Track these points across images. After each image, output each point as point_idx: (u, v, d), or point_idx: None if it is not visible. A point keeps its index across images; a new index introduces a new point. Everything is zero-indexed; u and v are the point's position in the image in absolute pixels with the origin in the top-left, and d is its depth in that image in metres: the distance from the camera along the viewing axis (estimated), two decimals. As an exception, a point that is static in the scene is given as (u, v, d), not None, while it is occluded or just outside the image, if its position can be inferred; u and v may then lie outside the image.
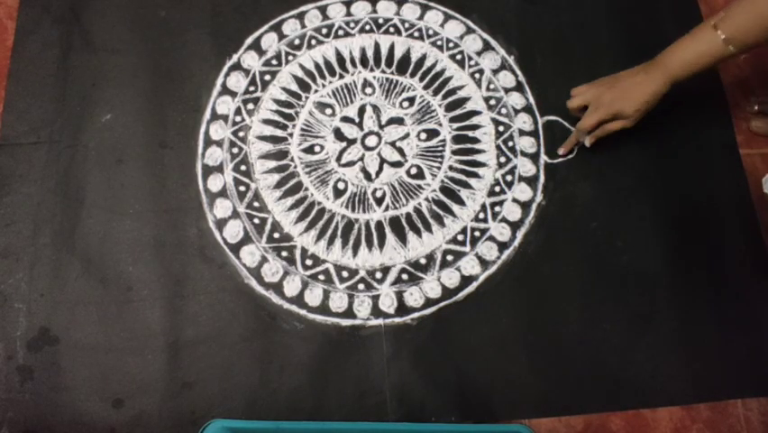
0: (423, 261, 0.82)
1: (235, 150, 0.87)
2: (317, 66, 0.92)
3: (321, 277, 0.81)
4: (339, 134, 0.88)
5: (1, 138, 0.86)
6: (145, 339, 0.77)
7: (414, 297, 0.80)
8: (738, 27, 0.69)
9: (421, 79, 0.91)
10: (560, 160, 0.87)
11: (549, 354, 0.78)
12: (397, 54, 0.93)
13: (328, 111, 0.89)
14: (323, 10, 0.95)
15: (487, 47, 0.93)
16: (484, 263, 0.82)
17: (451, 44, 0.93)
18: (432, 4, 0.95)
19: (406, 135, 0.88)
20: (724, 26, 0.70)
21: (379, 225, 0.83)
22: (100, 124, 0.87)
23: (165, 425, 0.74)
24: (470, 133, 0.89)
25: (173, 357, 0.76)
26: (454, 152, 0.88)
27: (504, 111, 0.90)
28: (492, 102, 0.90)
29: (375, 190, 0.85)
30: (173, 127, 0.87)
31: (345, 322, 0.79)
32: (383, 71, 0.92)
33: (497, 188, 0.86)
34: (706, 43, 0.72)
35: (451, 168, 0.87)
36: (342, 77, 0.91)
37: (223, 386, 0.75)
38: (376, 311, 0.79)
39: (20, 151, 0.85)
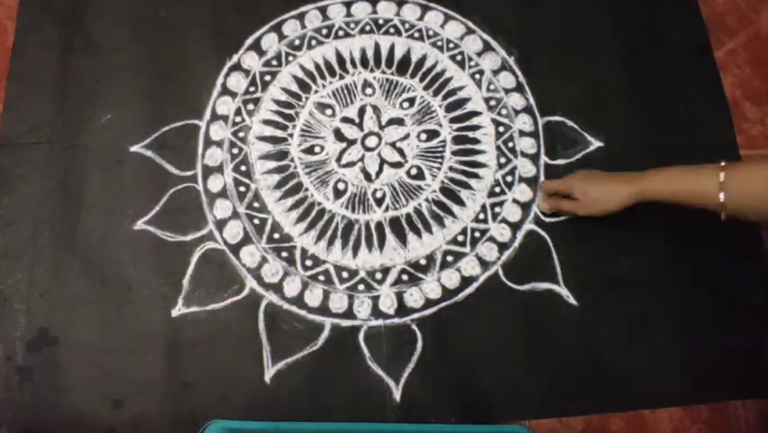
0: (423, 261, 0.82)
1: (235, 150, 0.87)
2: (317, 66, 0.92)
3: (321, 277, 0.81)
4: (339, 135, 0.88)
5: (1, 138, 0.85)
6: (145, 340, 0.77)
7: (414, 297, 0.80)
8: (739, 200, 0.63)
9: (421, 80, 0.91)
10: (560, 161, 0.87)
11: (549, 354, 0.78)
12: (398, 55, 0.93)
13: (328, 111, 0.89)
14: (323, 10, 0.95)
15: (487, 48, 0.93)
16: (484, 264, 0.82)
17: (451, 45, 0.93)
18: (432, 4, 0.95)
19: (407, 136, 0.88)
20: (727, 189, 0.62)
21: (379, 225, 0.83)
22: (100, 124, 0.87)
23: (165, 425, 0.74)
24: (470, 134, 0.89)
25: (173, 357, 0.76)
26: (454, 153, 0.88)
27: (504, 112, 0.90)
28: (492, 103, 0.90)
29: (375, 191, 0.85)
30: (173, 127, 0.87)
31: (345, 323, 0.79)
32: (383, 72, 0.92)
33: (497, 189, 0.86)
34: (704, 196, 0.65)
35: (451, 168, 0.87)
36: (342, 77, 0.91)
37: (223, 386, 0.75)
38: (376, 312, 0.79)
39: (20, 151, 0.85)
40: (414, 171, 0.86)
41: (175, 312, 0.78)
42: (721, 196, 0.63)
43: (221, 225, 0.83)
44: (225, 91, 0.90)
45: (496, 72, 0.92)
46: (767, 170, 0.62)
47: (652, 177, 0.70)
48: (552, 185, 0.82)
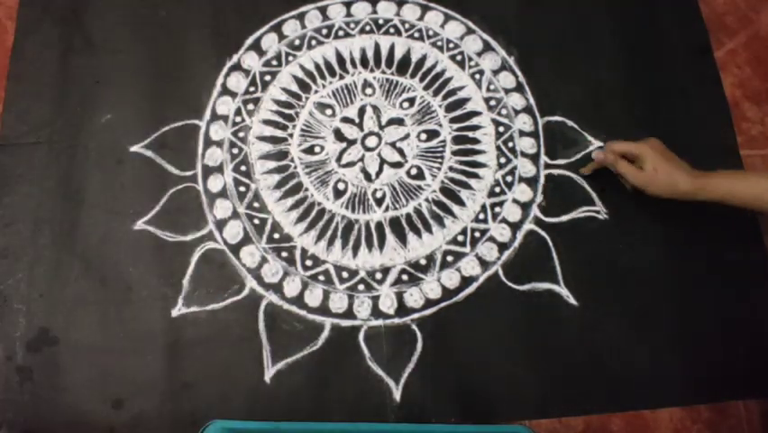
0: (423, 261, 0.82)
1: (235, 150, 0.87)
2: (317, 66, 0.92)
3: (321, 278, 0.81)
4: (339, 135, 0.88)
5: (1, 138, 0.85)
6: (145, 340, 0.77)
7: (414, 297, 0.80)
8: None
9: (421, 80, 0.91)
10: (560, 161, 0.87)
11: (549, 354, 0.78)
12: (398, 55, 0.93)
13: (328, 111, 0.89)
14: (323, 10, 0.95)
15: (487, 48, 0.93)
16: (484, 264, 0.82)
17: (451, 45, 0.93)
18: (432, 4, 0.95)
19: (407, 136, 0.88)
20: None
21: (379, 225, 0.83)
22: (100, 124, 0.87)
23: (165, 425, 0.73)
24: (470, 134, 0.89)
25: (173, 357, 0.76)
26: (454, 153, 0.88)
27: (504, 112, 0.90)
28: (492, 103, 0.90)
29: (375, 191, 0.85)
30: (173, 127, 0.87)
31: (345, 323, 0.79)
32: (383, 72, 0.92)
33: (497, 189, 0.86)
34: (760, 196, 0.70)
35: (451, 168, 0.87)
36: (342, 77, 0.91)
37: (223, 386, 0.75)
38: (376, 312, 0.79)
39: (20, 151, 0.85)
40: (414, 171, 0.86)
41: (175, 312, 0.78)
42: None
43: (221, 225, 0.83)
44: (225, 91, 0.90)
45: (496, 72, 0.92)
46: None
47: (715, 174, 0.73)
48: (622, 146, 0.79)
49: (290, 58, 0.92)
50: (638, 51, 0.94)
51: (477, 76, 0.92)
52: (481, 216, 0.84)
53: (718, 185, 0.73)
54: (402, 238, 0.83)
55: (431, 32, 0.94)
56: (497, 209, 0.85)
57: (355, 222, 0.84)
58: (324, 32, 0.94)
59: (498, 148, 0.88)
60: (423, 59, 0.92)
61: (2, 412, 0.74)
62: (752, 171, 0.73)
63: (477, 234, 0.83)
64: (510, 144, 0.88)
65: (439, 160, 0.87)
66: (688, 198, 0.74)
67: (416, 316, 0.79)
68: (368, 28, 0.94)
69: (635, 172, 0.77)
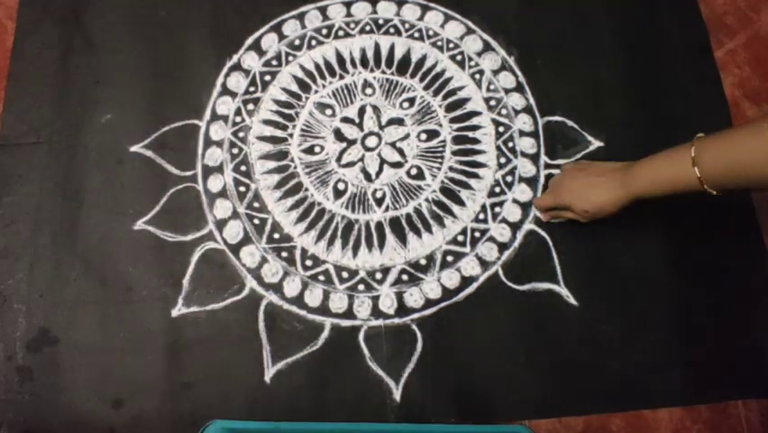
0: (423, 261, 0.82)
1: (235, 150, 0.87)
2: (317, 66, 0.92)
3: (321, 277, 0.81)
4: (339, 135, 0.88)
5: (1, 138, 0.85)
6: (145, 339, 0.77)
7: (414, 297, 0.80)
8: (715, 170, 0.59)
9: (421, 80, 0.91)
10: (560, 161, 0.87)
11: (549, 354, 0.78)
12: (398, 55, 0.93)
13: (328, 111, 0.89)
14: (323, 10, 0.95)
15: (487, 48, 0.93)
16: (484, 264, 0.82)
17: (451, 45, 0.93)
18: (432, 4, 0.95)
19: (407, 136, 0.88)
20: (701, 163, 0.60)
21: (379, 225, 0.83)
22: (100, 124, 0.87)
23: (165, 425, 0.73)
24: (470, 134, 0.89)
25: (173, 357, 0.76)
26: (454, 153, 0.88)
27: (504, 112, 0.90)
28: (492, 103, 0.90)
29: (375, 191, 0.85)
30: (173, 127, 0.87)
31: (345, 323, 0.79)
32: (383, 72, 0.92)
33: (497, 189, 0.86)
34: (682, 175, 0.62)
35: (451, 168, 0.87)
36: (342, 77, 0.91)
37: (223, 386, 0.75)
38: (376, 312, 0.79)
39: (20, 151, 0.85)
40: (414, 171, 0.86)
41: (175, 312, 0.78)
42: (696, 171, 0.60)
43: (221, 225, 0.83)
44: (225, 91, 0.90)
45: (496, 72, 0.92)
46: (738, 133, 0.59)
47: (638, 171, 0.67)
48: (545, 202, 0.81)
49: (290, 58, 0.92)
50: (638, 51, 0.94)
51: (477, 76, 0.92)
52: (481, 216, 0.84)
53: (643, 182, 0.66)
54: (402, 238, 0.83)
55: (431, 32, 0.94)
56: (497, 209, 0.85)
57: (355, 222, 0.84)
58: (324, 32, 0.94)
59: (498, 148, 0.88)
60: (423, 60, 0.92)
61: (2, 412, 0.74)
62: (667, 151, 0.64)
63: (477, 234, 0.83)
64: (510, 144, 0.88)
65: (439, 160, 0.87)
66: (631, 203, 0.69)
67: (415, 316, 0.79)
68: (368, 28, 0.94)
69: (573, 215, 0.77)
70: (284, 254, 0.81)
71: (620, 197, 0.69)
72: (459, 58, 0.93)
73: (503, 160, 0.87)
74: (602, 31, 0.95)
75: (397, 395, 0.75)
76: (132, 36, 0.92)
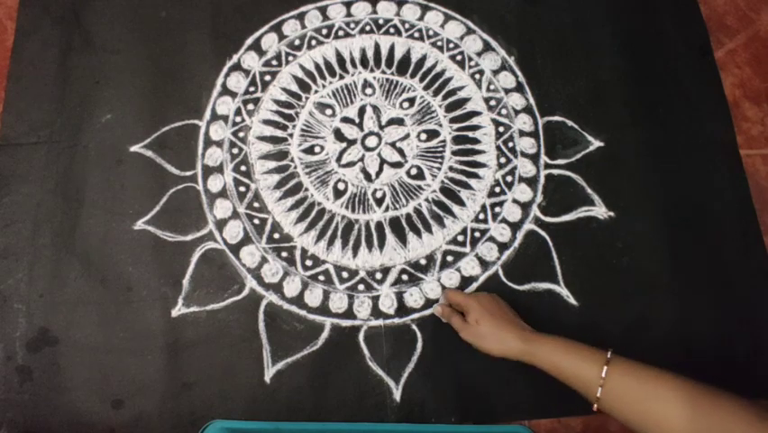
0: (423, 261, 0.82)
1: (235, 150, 0.87)
2: (317, 66, 0.92)
3: (321, 277, 0.81)
4: (339, 135, 0.88)
5: (1, 138, 0.85)
6: (145, 339, 0.77)
7: (414, 297, 0.80)
8: (614, 402, 0.59)
9: (421, 80, 0.91)
10: (560, 161, 0.87)
11: (549, 354, 0.78)
12: (398, 55, 0.93)
13: (328, 111, 0.89)
14: (323, 10, 0.95)
15: (487, 48, 0.93)
16: (484, 264, 0.82)
17: (451, 45, 0.93)
18: (432, 4, 0.96)
19: (407, 136, 0.88)
20: (607, 391, 0.59)
21: (379, 225, 0.83)
22: (100, 124, 0.87)
23: (165, 425, 0.74)
24: (470, 134, 0.89)
25: (173, 358, 0.76)
26: (454, 153, 0.88)
27: (504, 112, 0.90)
28: (492, 103, 0.90)
29: (375, 191, 0.85)
30: (173, 127, 0.87)
31: (345, 323, 0.79)
32: (383, 72, 0.92)
33: (497, 189, 0.86)
34: (582, 383, 0.61)
35: (451, 168, 0.87)
36: (342, 77, 0.91)
37: (223, 386, 0.75)
38: (376, 312, 0.79)
39: (20, 151, 0.85)
40: (414, 171, 0.86)
41: (175, 312, 0.78)
42: (598, 391, 0.59)
43: (221, 225, 0.83)
44: (225, 91, 0.90)
45: (496, 72, 0.92)
46: (654, 382, 0.57)
47: (541, 343, 0.66)
48: (454, 297, 0.76)
49: (290, 58, 0.92)
50: (638, 51, 0.94)
51: (477, 76, 0.92)
52: (481, 216, 0.84)
53: (542, 356, 0.65)
54: (402, 238, 0.83)
55: (431, 32, 0.94)
56: (497, 209, 0.85)
57: (355, 222, 0.83)
58: (324, 32, 0.94)
59: (498, 148, 0.88)
60: (423, 60, 0.92)
61: (2, 412, 0.74)
62: (582, 348, 0.64)
63: (477, 234, 0.83)
64: (510, 144, 0.88)
65: (439, 160, 0.87)
66: (522, 360, 0.67)
67: (416, 316, 0.79)
68: (368, 28, 0.94)
69: (460, 324, 0.72)
70: (284, 254, 0.81)
71: (515, 350, 0.67)
72: (459, 58, 0.93)
73: (503, 160, 0.87)
74: (602, 31, 0.95)
75: (397, 395, 0.75)
76: (132, 36, 0.92)
